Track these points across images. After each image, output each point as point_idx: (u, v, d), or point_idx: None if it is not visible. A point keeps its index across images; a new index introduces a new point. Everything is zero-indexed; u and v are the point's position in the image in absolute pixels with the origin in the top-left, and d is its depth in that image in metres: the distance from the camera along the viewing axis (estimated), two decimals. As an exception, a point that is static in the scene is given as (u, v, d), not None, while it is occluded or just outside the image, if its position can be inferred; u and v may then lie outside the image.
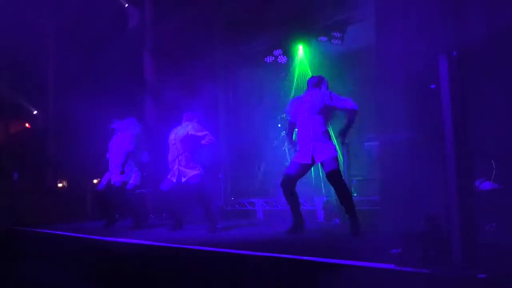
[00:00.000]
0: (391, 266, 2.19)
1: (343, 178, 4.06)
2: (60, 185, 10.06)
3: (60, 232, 5.37)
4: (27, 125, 10.73)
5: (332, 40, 7.07)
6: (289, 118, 4.48)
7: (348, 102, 4.13)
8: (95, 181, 9.23)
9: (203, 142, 5.02)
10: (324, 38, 7.14)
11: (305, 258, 2.64)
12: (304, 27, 7.19)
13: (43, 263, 4.96)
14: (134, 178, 6.08)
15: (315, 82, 4.36)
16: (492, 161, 3.99)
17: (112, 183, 5.88)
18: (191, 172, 4.98)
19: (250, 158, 7.97)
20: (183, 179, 4.99)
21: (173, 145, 5.14)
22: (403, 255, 2.21)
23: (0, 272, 5.10)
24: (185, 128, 5.10)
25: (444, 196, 2.21)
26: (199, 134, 5.02)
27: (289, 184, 4.18)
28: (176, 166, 5.05)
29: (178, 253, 3.48)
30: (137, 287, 3.56)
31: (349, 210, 4.00)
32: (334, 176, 4.00)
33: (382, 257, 2.32)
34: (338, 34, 7.04)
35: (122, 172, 5.73)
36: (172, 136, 5.20)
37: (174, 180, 5.04)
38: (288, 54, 7.80)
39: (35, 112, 10.35)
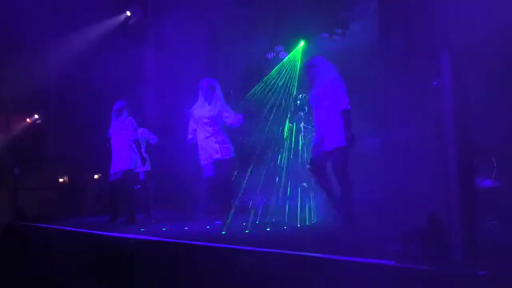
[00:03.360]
0: (391, 262, 2.19)
1: (347, 171, 4.01)
2: (61, 180, 10.05)
3: (61, 227, 5.38)
4: (28, 120, 10.73)
5: (334, 36, 7.05)
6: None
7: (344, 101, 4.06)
8: (96, 176, 9.23)
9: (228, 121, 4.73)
10: (326, 35, 7.11)
11: (305, 254, 2.65)
12: (306, 23, 7.16)
13: (44, 258, 4.97)
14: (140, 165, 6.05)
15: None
16: (493, 159, 3.99)
17: (121, 173, 5.82)
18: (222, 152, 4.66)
19: (253, 157, 7.94)
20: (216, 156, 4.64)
21: (205, 123, 4.71)
22: (403, 252, 2.21)
23: (2, 267, 5.12)
24: (217, 107, 4.71)
25: (445, 194, 2.21)
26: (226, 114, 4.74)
27: (320, 166, 4.10)
28: (209, 145, 4.66)
29: (178, 248, 3.50)
30: (140, 282, 3.57)
31: (345, 203, 3.97)
32: (339, 168, 3.98)
33: (383, 253, 2.33)
34: (340, 30, 7.02)
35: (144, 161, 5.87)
36: (200, 113, 4.74)
37: (212, 160, 4.65)
38: (290, 50, 7.77)
39: (36, 116, 10.41)
